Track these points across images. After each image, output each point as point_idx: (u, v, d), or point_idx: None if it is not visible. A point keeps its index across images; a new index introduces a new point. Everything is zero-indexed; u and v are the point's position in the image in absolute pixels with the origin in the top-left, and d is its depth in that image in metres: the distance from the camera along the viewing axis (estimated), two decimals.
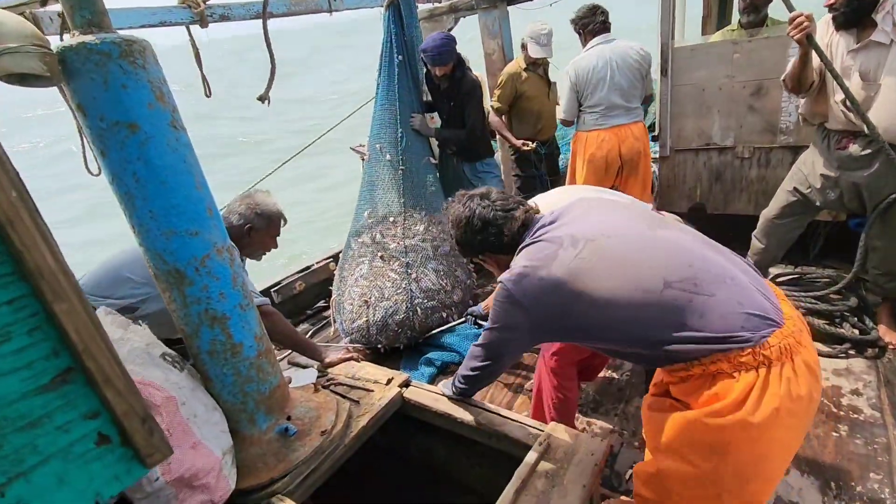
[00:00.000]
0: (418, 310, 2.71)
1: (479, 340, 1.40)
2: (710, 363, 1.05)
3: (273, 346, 1.52)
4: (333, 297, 2.99)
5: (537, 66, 3.57)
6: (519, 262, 1.24)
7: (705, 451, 1.07)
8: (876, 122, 2.09)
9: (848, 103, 2.11)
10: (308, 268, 3.60)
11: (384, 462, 1.97)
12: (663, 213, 1.67)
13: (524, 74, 3.53)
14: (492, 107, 3.61)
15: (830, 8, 2.09)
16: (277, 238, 2.19)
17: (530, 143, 3.53)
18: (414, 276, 2.78)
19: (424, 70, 3.14)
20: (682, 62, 2.95)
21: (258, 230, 2.06)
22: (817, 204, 2.47)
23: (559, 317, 1.17)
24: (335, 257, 3.73)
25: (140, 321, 1.37)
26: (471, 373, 1.47)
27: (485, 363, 1.41)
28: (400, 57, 2.92)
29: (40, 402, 0.55)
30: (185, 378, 1.32)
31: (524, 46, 3.47)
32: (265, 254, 2.19)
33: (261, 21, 1.77)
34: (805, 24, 1.96)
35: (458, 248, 1.49)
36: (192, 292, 1.27)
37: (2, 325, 0.54)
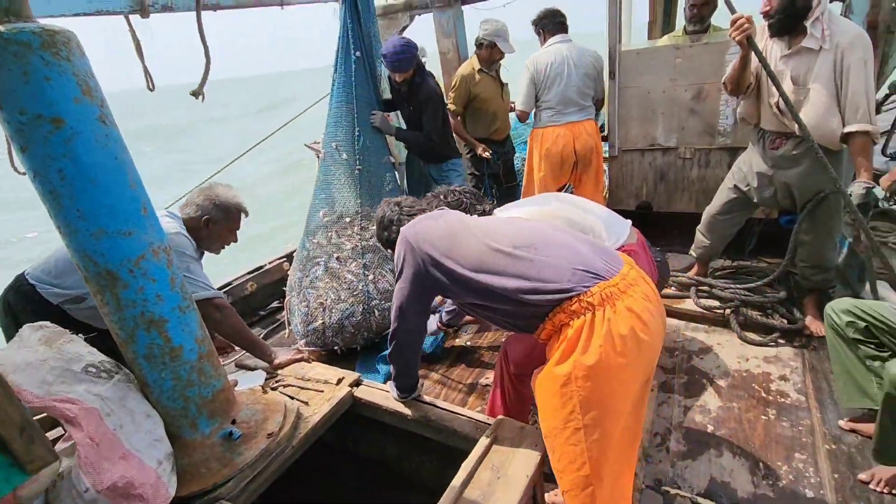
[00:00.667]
0: (375, 311, 2.67)
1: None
2: (554, 316, 1.23)
3: (216, 350, 1.48)
4: (287, 299, 2.91)
5: (491, 67, 3.62)
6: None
7: (560, 398, 1.20)
8: (805, 123, 2.23)
9: (781, 105, 2.25)
10: (261, 268, 3.51)
11: (336, 463, 1.96)
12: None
13: (477, 76, 3.57)
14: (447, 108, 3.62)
15: (766, 15, 2.21)
16: (237, 231, 2.15)
17: (488, 151, 3.60)
18: (371, 277, 2.74)
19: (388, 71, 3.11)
20: (628, 65, 3.07)
21: (216, 222, 2.03)
22: (755, 201, 2.63)
23: (440, 260, 1.36)
24: (289, 257, 3.66)
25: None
26: (390, 347, 1.56)
27: (394, 325, 1.52)
28: (357, 53, 2.84)
29: None
30: (112, 388, 1.26)
31: (480, 45, 3.50)
32: (224, 247, 2.17)
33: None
34: (746, 25, 2.05)
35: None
36: (126, 295, 1.22)
37: None
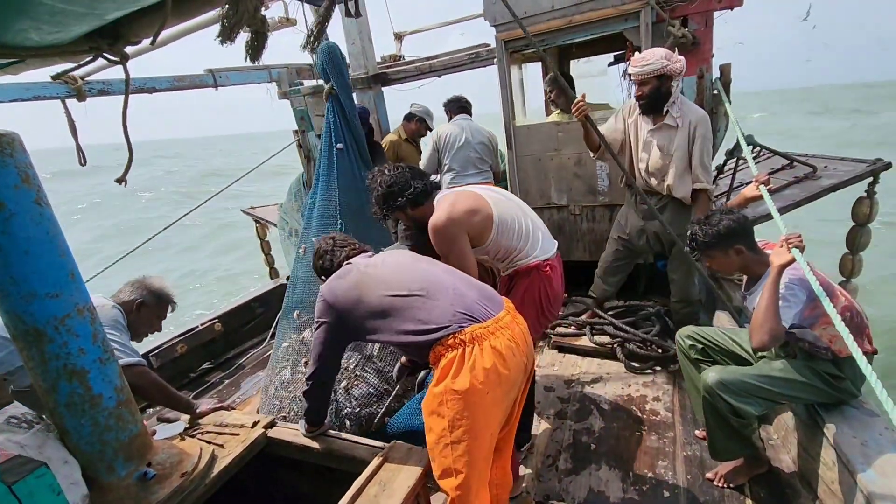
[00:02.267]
0: (347, 422, 2.32)
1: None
2: (436, 349, 1.48)
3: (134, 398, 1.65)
4: (259, 404, 2.74)
5: (414, 138, 4.26)
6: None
7: (435, 415, 1.46)
8: (670, 183, 2.81)
9: (650, 168, 2.81)
10: (192, 330, 3.59)
11: None
12: None
13: (403, 144, 4.17)
14: None
15: (639, 98, 2.79)
16: (162, 321, 2.28)
17: None
18: (345, 383, 2.42)
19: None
20: (522, 137, 3.60)
21: (148, 306, 2.16)
22: (635, 249, 3.12)
23: (350, 311, 1.61)
24: (220, 318, 3.78)
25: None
26: (306, 386, 1.77)
27: (312, 368, 1.74)
28: (339, 145, 2.88)
29: None
30: (31, 437, 1.43)
31: (412, 118, 4.15)
32: (147, 335, 2.27)
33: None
34: (583, 106, 2.68)
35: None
36: (51, 349, 1.40)
37: None
